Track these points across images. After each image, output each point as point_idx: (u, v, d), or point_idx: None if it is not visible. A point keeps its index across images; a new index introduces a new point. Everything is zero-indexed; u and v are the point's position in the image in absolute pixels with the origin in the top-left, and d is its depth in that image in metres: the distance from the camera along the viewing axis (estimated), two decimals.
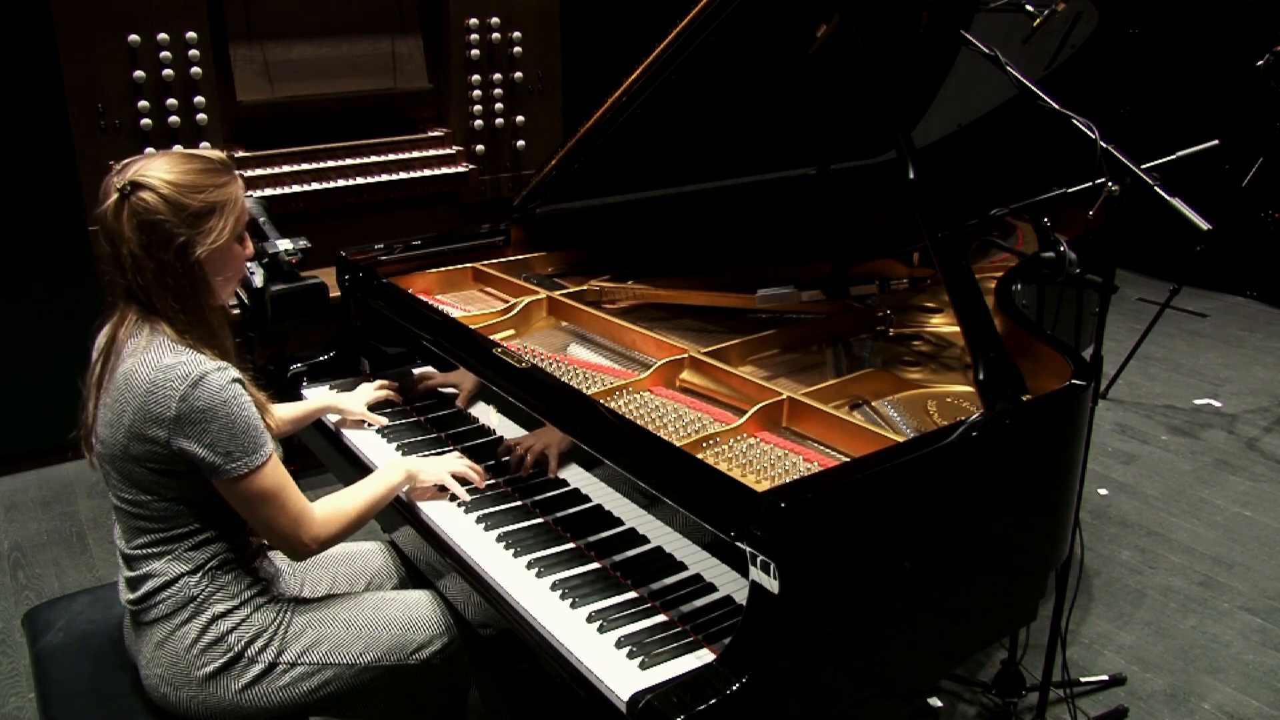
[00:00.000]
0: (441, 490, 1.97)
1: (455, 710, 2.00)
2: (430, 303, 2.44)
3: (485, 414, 2.11)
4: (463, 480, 1.97)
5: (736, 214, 3.01)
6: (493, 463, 2.05)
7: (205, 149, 1.73)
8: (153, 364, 1.63)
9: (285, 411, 2.21)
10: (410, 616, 1.88)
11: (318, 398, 2.33)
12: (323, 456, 2.37)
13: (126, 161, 1.67)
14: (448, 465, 1.98)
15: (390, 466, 1.95)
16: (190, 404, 1.61)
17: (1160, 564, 3.21)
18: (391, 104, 4.13)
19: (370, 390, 2.31)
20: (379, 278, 2.47)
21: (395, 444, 2.19)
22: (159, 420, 1.62)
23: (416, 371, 2.33)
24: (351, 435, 2.26)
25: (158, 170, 1.64)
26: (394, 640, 1.85)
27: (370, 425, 2.26)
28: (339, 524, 1.80)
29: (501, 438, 2.05)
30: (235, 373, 1.67)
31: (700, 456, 1.66)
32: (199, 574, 1.73)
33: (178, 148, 1.70)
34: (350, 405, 2.28)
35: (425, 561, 1.97)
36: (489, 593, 1.73)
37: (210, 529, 1.74)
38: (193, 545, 1.73)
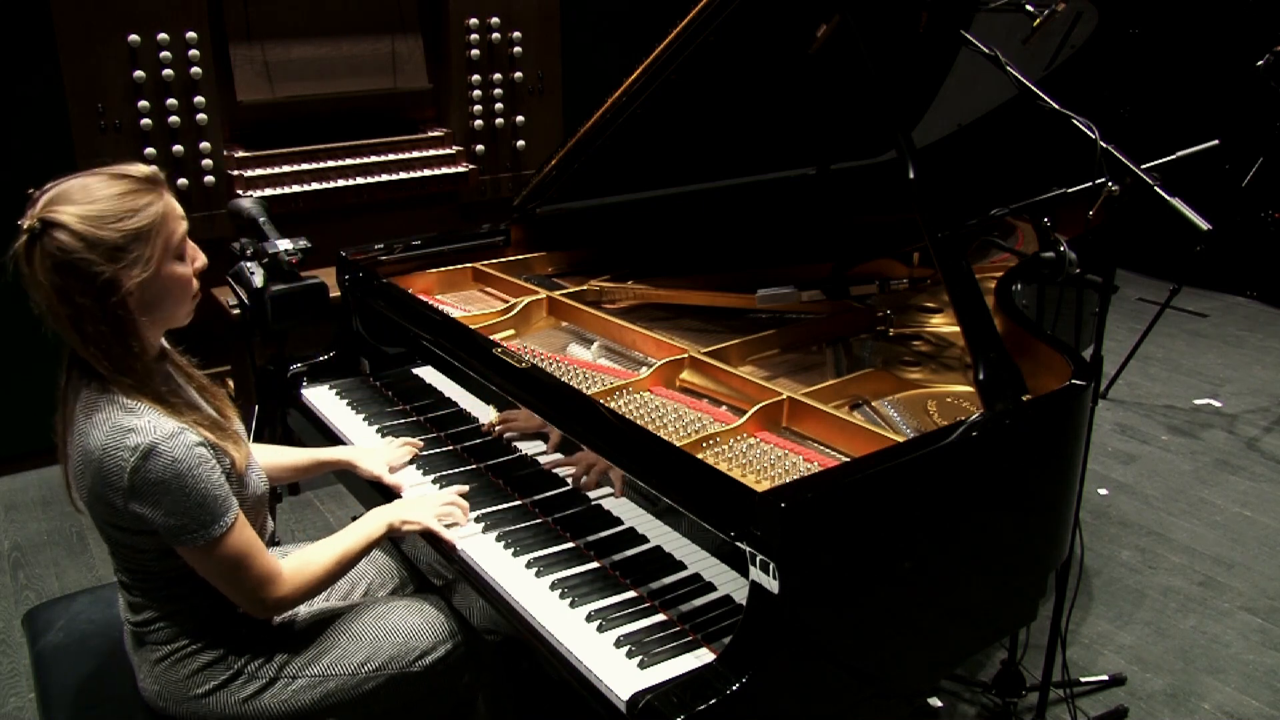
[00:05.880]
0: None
1: (462, 716, 1.98)
2: (430, 303, 2.44)
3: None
4: (448, 518, 1.87)
5: (736, 214, 3.01)
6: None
7: (129, 165, 1.60)
8: (105, 424, 1.53)
9: (288, 458, 2.07)
10: (413, 623, 1.85)
11: (332, 450, 2.13)
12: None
13: (44, 189, 1.53)
14: (432, 507, 1.86)
15: (370, 518, 1.84)
16: (142, 477, 1.51)
17: (1160, 564, 3.21)
18: (391, 104, 4.13)
19: (392, 450, 2.11)
20: (379, 278, 2.47)
21: (433, 475, 2.07)
22: (114, 488, 1.52)
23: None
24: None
25: (69, 203, 1.50)
26: (396, 648, 1.82)
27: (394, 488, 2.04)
28: (307, 585, 1.70)
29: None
30: (193, 436, 1.55)
31: (700, 456, 1.66)
32: (198, 617, 1.69)
33: (101, 171, 1.51)
34: (368, 467, 2.06)
35: (424, 561, 1.97)
36: (488, 592, 1.72)
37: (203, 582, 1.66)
38: (190, 591, 1.67)
